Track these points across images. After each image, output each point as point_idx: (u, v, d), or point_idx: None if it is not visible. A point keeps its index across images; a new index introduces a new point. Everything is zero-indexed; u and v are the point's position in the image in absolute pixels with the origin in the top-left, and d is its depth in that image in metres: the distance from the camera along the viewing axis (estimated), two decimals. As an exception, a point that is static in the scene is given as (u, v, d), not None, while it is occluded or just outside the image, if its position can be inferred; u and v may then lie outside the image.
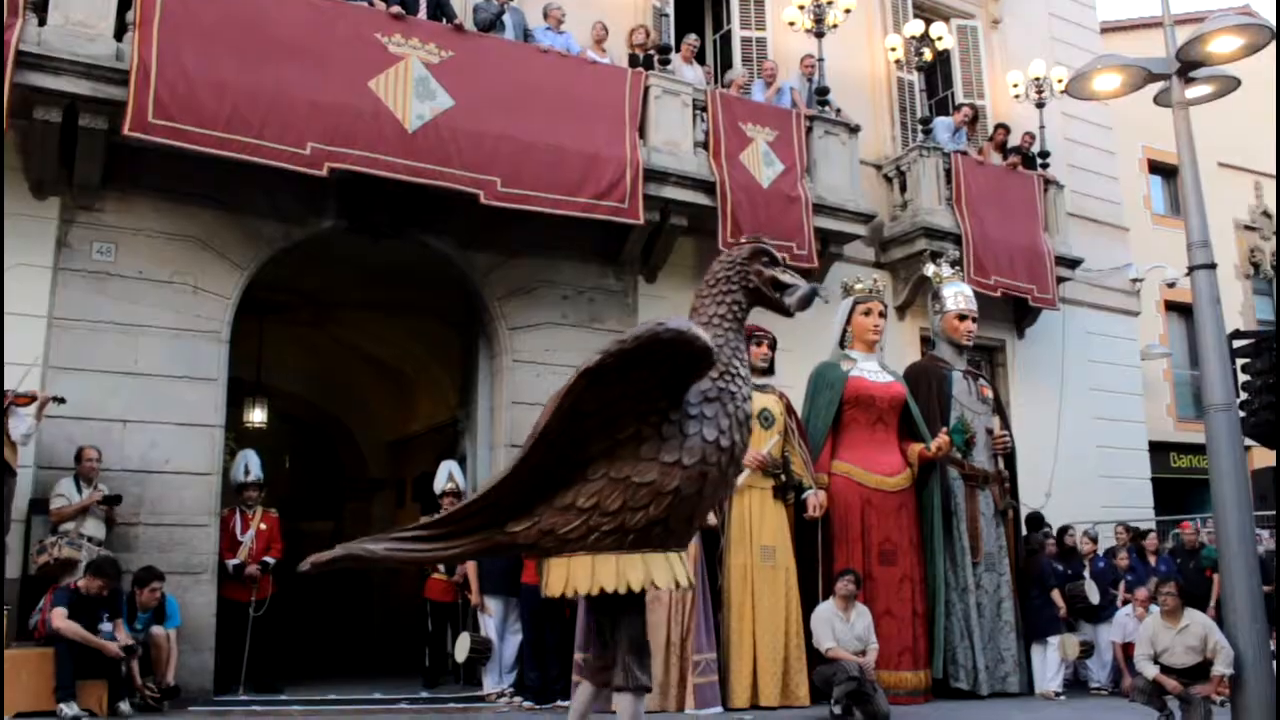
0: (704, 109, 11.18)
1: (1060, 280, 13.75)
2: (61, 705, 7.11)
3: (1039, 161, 14.07)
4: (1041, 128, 14.04)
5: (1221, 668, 7.06)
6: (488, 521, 4.90)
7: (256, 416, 14.86)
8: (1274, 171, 16.42)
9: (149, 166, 9.06)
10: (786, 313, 5.18)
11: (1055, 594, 10.06)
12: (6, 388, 7.73)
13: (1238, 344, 9.58)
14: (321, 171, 8.93)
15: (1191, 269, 7.83)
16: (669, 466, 4.69)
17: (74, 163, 8.76)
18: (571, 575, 4.79)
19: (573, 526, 4.75)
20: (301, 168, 8.87)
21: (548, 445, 4.72)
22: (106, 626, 7.44)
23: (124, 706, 7.41)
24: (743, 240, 5.31)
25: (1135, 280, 15.47)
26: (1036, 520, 10.85)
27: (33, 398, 7.88)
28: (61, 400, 8.10)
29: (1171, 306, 18.20)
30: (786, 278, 5.18)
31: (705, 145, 11.10)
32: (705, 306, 5.15)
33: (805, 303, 5.13)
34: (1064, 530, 11.19)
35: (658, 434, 4.71)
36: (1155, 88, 8.18)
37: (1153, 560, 11.39)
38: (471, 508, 4.95)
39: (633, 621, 4.94)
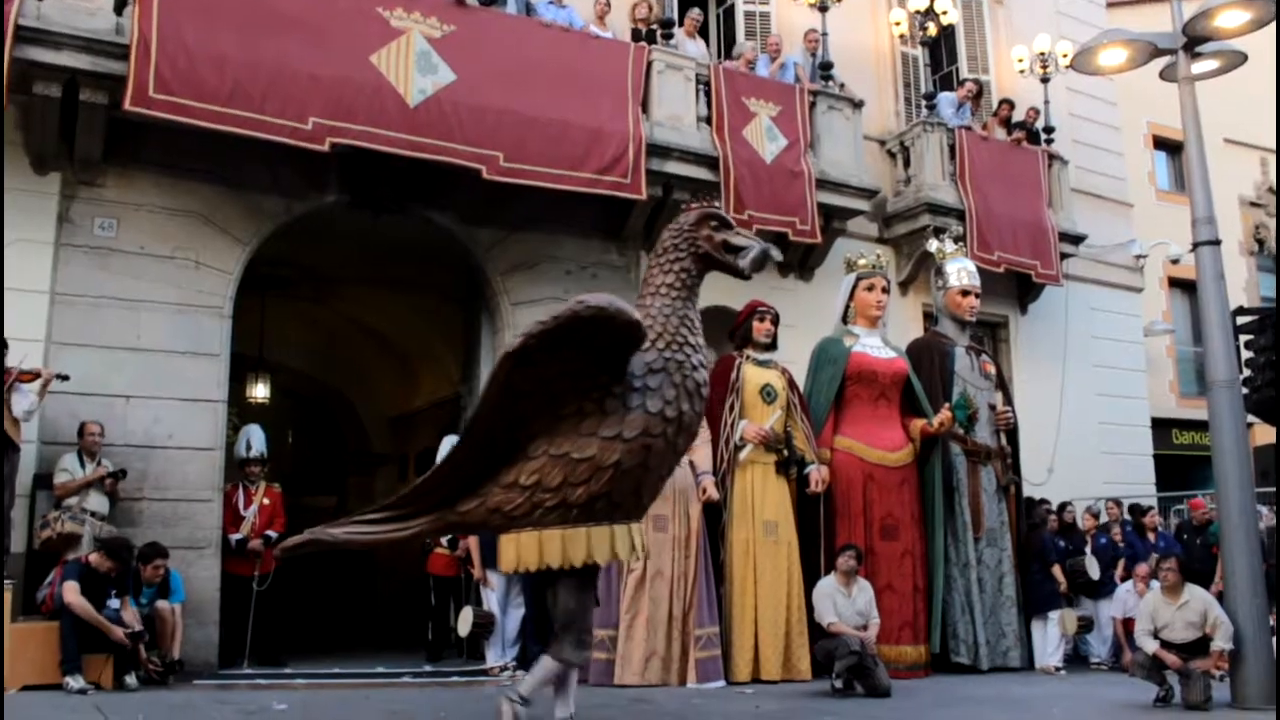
0: (707, 84, 11.13)
1: (1064, 256, 13.72)
2: (67, 678, 7.15)
3: (1043, 137, 14.01)
4: (1046, 103, 13.98)
5: (1221, 643, 7.08)
6: (440, 501, 5.00)
7: (259, 392, 14.88)
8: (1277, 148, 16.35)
9: (150, 141, 9.03)
10: (742, 275, 5.18)
11: (1056, 569, 10.08)
12: (9, 364, 7.74)
13: (1241, 320, 9.57)
14: (323, 146, 8.90)
15: (1196, 245, 7.82)
16: (609, 441, 4.74)
17: (75, 138, 8.73)
18: (521, 552, 4.88)
19: (517, 504, 4.83)
20: (303, 142, 8.84)
21: (486, 428, 4.79)
22: (114, 603, 7.48)
23: (130, 680, 7.44)
24: (692, 206, 5.30)
25: (1139, 256, 15.43)
26: (1031, 504, 10.87)
27: (36, 374, 7.88)
28: (65, 377, 8.10)
29: (1175, 283, 18.15)
30: (739, 240, 5.17)
31: (708, 120, 11.06)
32: (653, 276, 5.16)
33: (759, 264, 5.15)
34: (1064, 506, 11.21)
35: (600, 409, 4.76)
36: (1161, 62, 8.14)
37: (1152, 537, 11.39)
38: (421, 489, 5.05)
39: (570, 595, 5.03)
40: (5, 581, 7.52)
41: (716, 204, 5.40)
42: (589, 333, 4.62)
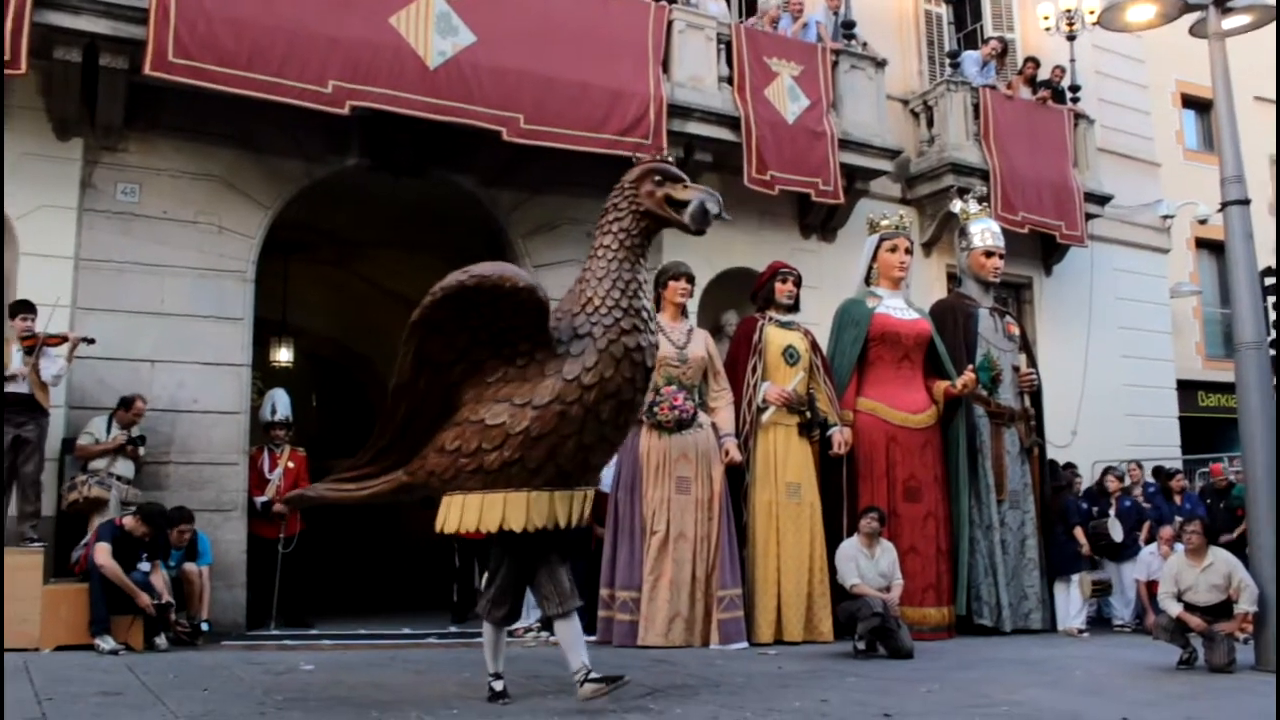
0: (728, 44, 11.03)
1: (1089, 217, 13.58)
2: (98, 640, 7.26)
3: (1069, 96, 13.84)
4: (1072, 61, 13.78)
5: (1245, 605, 7.06)
6: (395, 463, 5.08)
7: (283, 356, 14.94)
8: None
9: (171, 106, 9.04)
10: (689, 230, 5.04)
11: (1078, 531, 10.05)
12: (37, 330, 7.80)
13: (1270, 281, 9.47)
14: (343, 110, 8.88)
15: (1225, 205, 7.72)
16: (520, 408, 4.72)
17: (96, 103, 8.73)
18: (448, 514, 5.00)
19: (444, 467, 4.90)
20: (323, 106, 8.82)
21: (410, 395, 4.85)
22: (145, 566, 7.56)
23: (159, 641, 7.55)
24: (641, 161, 5.19)
25: (1166, 217, 15.25)
26: (1055, 466, 10.82)
27: (63, 338, 7.94)
28: (91, 341, 8.15)
29: (1202, 244, 17.94)
30: (685, 194, 5.00)
31: (730, 80, 10.97)
32: (595, 238, 5.08)
33: (698, 218, 4.96)
34: (1107, 471, 11.13)
35: (521, 375, 4.75)
36: (1190, 18, 8.01)
37: (1178, 500, 11.34)
38: (370, 453, 5.13)
39: (499, 558, 5.15)
40: (37, 544, 7.66)
41: (664, 157, 5.27)
42: (485, 301, 4.61)
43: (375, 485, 5.17)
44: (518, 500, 4.85)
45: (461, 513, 4.95)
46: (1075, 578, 9.81)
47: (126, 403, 8.37)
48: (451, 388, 4.84)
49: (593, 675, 5.04)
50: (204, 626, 8.08)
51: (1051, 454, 10.87)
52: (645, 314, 4.98)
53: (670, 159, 5.37)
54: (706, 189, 5.11)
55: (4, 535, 7.12)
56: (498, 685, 5.27)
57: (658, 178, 5.07)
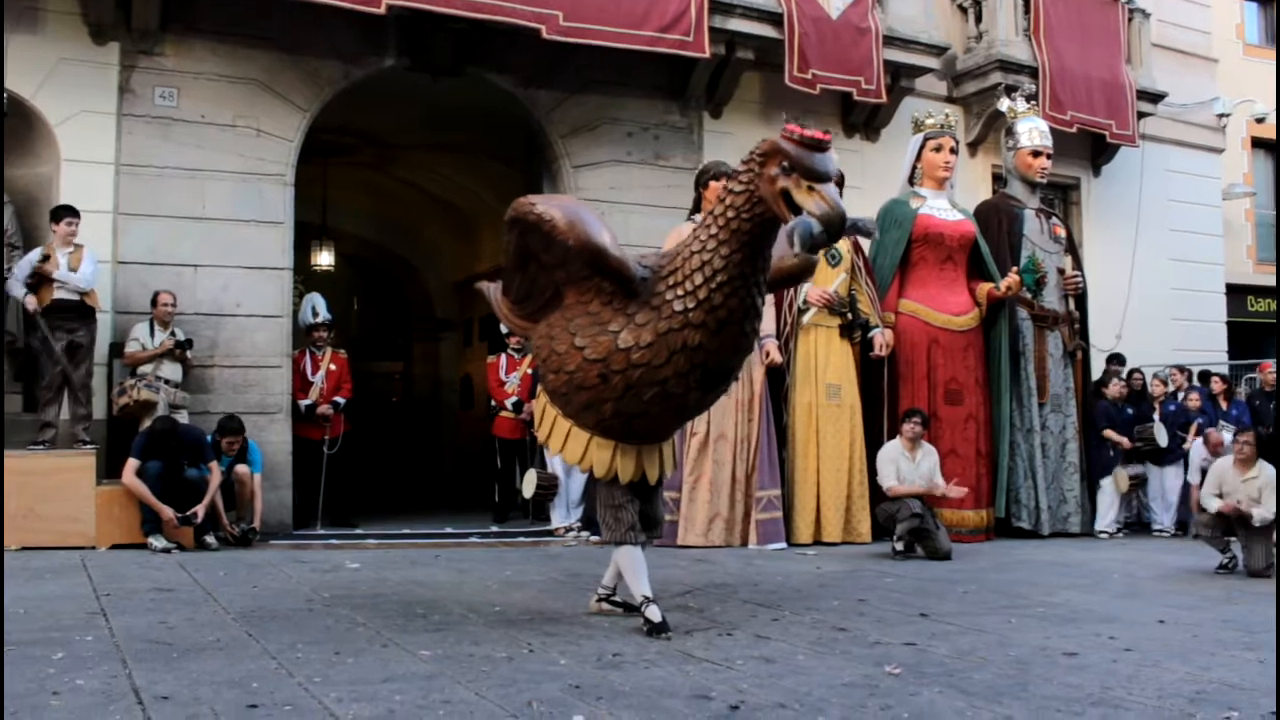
0: (771, -64, 10.72)
1: (1141, 115, 13.22)
2: (150, 539, 7.46)
3: (1124, -12, 13.38)
4: (1128, -49, 13.30)
5: (1263, 513, 6.99)
6: (528, 317, 4.98)
7: (323, 259, 14.97)
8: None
9: (206, 8, 8.97)
10: (790, 241, 4.29)
11: (1108, 433, 10.01)
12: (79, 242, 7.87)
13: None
14: (379, 9, 8.75)
15: (1284, 101, 7.48)
16: (576, 349, 4.50)
17: (131, 6, 8.66)
18: (535, 411, 5.04)
19: (534, 360, 4.98)
20: (359, 6, 8.70)
21: (521, 278, 4.80)
22: (193, 471, 7.69)
23: (210, 540, 7.73)
24: (787, 124, 4.18)
25: (1222, 115, 14.79)
26: (1115, 359, 10.74)
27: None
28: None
29: (1258, 144, 17.40)
30: (802, 199, 4.03)
31: (772, -25, 10.69)
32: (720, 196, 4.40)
33: (806, 242, 4.17)
34: (1133, 372, 11.05)
35: (599, 314, 4.48)
36: (1255, -96, 7.67)
37: (1224, 404, 11.18)
38: (511, 296, 5.00)
39: (596, 482, 4.98)
40: (89, 446, 7.82)
41: (809, 136, 4.08)
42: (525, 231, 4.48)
43: (523, 327, 5.09)
44: (560, 426, 4.80)
45: (540, 417, 4.97)
46: (1106, 480, 9.83)
47: (153, 300, 8.46)
48: (559, 285, 4.66)
49: (650, 614, 4.53)
50: (253, 535, 8.18)
51: (1096, 358, 10.76)
52: (731, 314, 4.26)
53: (821, 135, 4.13)
54: (830, 201, 4.02)
55: (4, 441, 7.26)
56: (655, 614, 4.53)
57: (785, 163, 4.06)
